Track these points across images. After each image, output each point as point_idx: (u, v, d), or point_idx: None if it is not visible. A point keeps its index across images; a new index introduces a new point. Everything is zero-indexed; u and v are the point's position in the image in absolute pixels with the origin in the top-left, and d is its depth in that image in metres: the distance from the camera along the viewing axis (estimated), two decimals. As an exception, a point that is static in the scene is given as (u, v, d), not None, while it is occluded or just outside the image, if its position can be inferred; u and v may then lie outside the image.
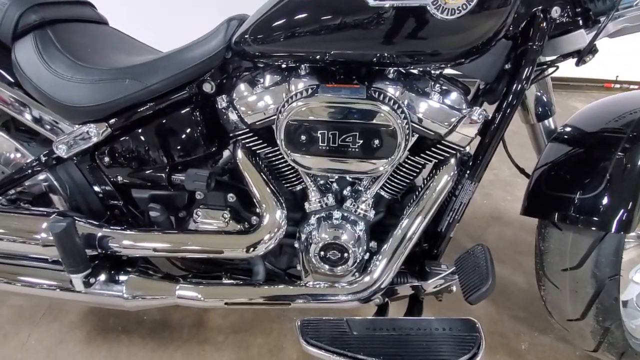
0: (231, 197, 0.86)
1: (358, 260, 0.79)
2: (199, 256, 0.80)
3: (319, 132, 0.65)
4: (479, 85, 0.86)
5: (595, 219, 0.70)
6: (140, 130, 0.79)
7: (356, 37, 0.62)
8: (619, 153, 0.73)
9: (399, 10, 0.58)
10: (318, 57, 0.66)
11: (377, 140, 0.64)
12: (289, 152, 0.69)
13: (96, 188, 0.85)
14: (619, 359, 0.85)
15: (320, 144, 0.66)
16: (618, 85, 2.66)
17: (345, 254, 0.77)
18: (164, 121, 0.79)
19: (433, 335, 0.65)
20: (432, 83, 0.70)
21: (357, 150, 0.65)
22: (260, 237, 0.77)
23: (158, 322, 1.12)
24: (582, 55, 0.73)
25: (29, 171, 0.83)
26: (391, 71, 0.68)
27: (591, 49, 0.74)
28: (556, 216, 0.76)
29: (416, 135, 0.73)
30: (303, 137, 0.66)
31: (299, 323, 0.72)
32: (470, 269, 0.74)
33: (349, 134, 0.64)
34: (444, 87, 0.71)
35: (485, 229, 1.49)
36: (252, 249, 0.76)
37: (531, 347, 1.04)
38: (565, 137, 0.84)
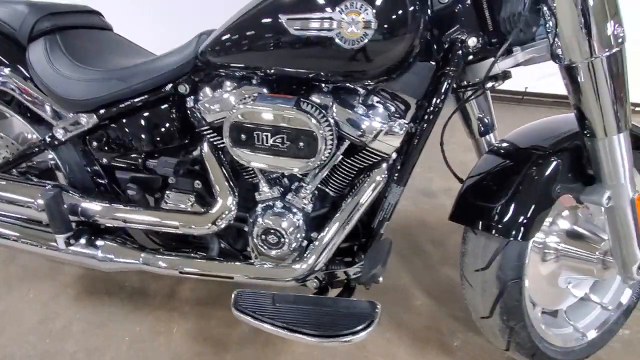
0: (197, 184, 1.00)
1: (295, 246, 0.92)
2: (158, 229, 0.95)
3: (254, 132, 0.78)
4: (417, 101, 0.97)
5: (499, 226, 0.79)
6: (123, 121, 0.95)
7: (284, 58, 0.75)
8: (530, 168, 0.82)
9: (314, 38, 0.69)
10: (259, 71, 0.79)
11: (301, 144, 0.76)
12: (232, 147, 0.82)
13: (87, 167, 1.02)
14: (530, 358, 0.93)
15: (256, 142, 0.79)
16: (622, 108, 2.65)
17: (282, 239, 0.90)
18: (143, 115, 0.95)
19: (338, 311, 0.76)
20: (360, 97, 0.82)
21: (285, 150, 0.78)
22: (211, 218, 0.91)
23: (137, 289, 1.29)
24: (485, 81, 0.82)
25: (36, 149, 1.01)
26: (323, 85, 0.80)
27: (505, 75, 0.83)
28: (471, 223, 0.85)
29: (348, 141, 0.85)
30: (243, 136, 0.79)
31: (235, 294, 0.85)
32: (372, 258, 0.85)
33: (277, 136, 0.77)
34: (371, 101, 0.83)
35: (449, 235, 1.56)
36: (203, 227, 0.90)
37: (463, 344, 1.12)
38: (497, 151, 0.93)
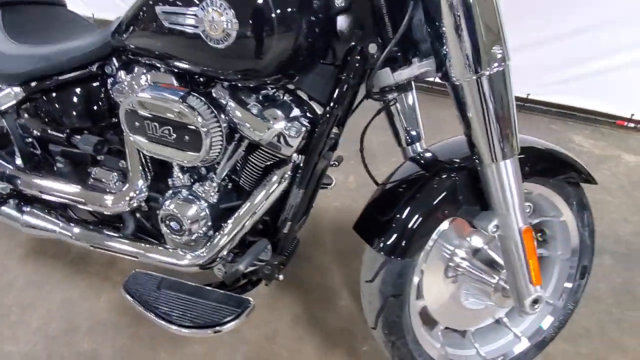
0: (122, 164, 1.04)
1: (197, 234, 0.94)
2: (69, 203, 1.00)
3: (145, 121, 0.79)
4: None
5: (381, 242, 0.77)
6: (51, 97, 0.99)
7: (166, 49, 0.75)
8: (423, 186, 0.78)
9: (184, 33, 0.68)
10: (155, 60, 0.80)
11: (187, 137, 0.77)
12: (128, 133, 0.84)
13: (23, 138, 1.07)
14: None
15: (147, 131, 0.80)
16: (632, 125, 2.41)
17: (183, 227, 0.92)
18: (70, 92, 0.98)
19: (212, 303, 0.79)
20: (258, 96, 0.81)
21: (173, 142, 0.79)
22: (118, 198, 0.95)
23: (81, 255, 1.37)
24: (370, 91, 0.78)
25: None
26: (220, 82, 0.80)
27: (399, 86, 0.78)
28: (363, 234, 0.84)
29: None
30: (137, 124, 0.81)
31: (131, 274, 0.89)
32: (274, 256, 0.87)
33: (165, 127, 0.78)
34: (269, 102, 0.81)
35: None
36: (111, 206, 0.94)
37: (371, 350, 1.12)
38: (413, 161, 0.89)
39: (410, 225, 0.76)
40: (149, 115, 0.79)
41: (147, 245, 0.98)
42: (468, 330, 1.01)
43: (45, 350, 1.08)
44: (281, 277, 0.99)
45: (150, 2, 0.70)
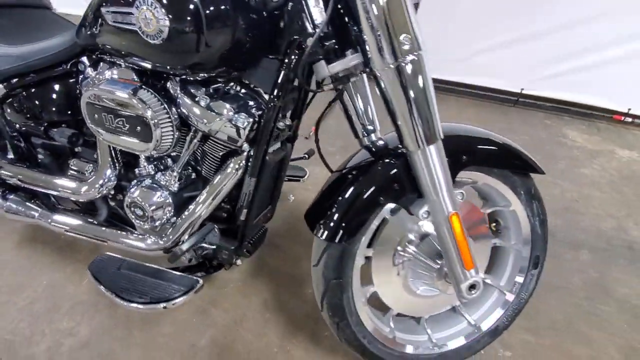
0: (96, 155, 1.11)
1: (160, 221, 0.99)
2: (46, 191, 1.07)
3: (102, 113, 0.86)
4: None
5: (320, 227, 0.81)
6: (30, 92, 1.07)
7: (116, 46, 0.81)
8: (364, 173, 0.81)
9: (125, 31, 0.73)
10: (112, 57, 0.86)
11: (138, 128, 0.83)
12: (90, 124, 0.90)
13: (8, 131, 1.16)
14: (361, 354, 0.95)
15: (104, 122, 0.87)
16: (630, 119, 2.34)
17: (145, 213, 0.98)
18: (46, 88, 1.06)
19: (165, 282, 0.85)
20: (207, 89, 0.85)
21: (127, 132, 0.85)
22: (88, 186, 1.02)
23: (69, 242, 1.45)
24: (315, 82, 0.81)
25: None
26: (172, 77, 0.85)
27: (340, 78, 0.81)
28: (309, 220, 0.87)
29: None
30: (95, 115, 0.87)
31: (98, 256, 0.96)
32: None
33: (119, 118, 0.84)
34: (218, 94, 0.86)
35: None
36: (81, 194, 1.01)
37: (331, 336, 1.14)
38: (364, 150, 0.92)
39: (347, 211, 0.79)
40: (105, 107, 0.85)
41: (116, 231, 1.05)
42: (422, 318, 1.04)
43: (29, 328, 1.16)
44: (239, 262, 1.04)
45: (97, 3, 0.76)
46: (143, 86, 0.82)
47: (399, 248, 0.92)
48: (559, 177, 1.94)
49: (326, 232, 0.79)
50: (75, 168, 1.12)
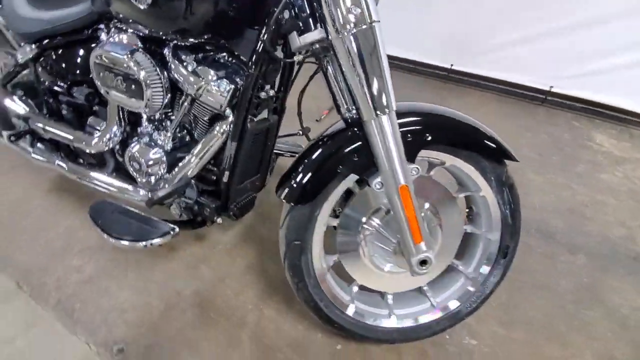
0: (110, 113, 1.25)
1: (155, 175, 1.10)
2: (65, 142, 1.22)
3: (105, 71, 0.96)
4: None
5: (283, 190, 0.86)
6: (57, 53, 1.22)
7: (114, 11, 0.89)
8: (328, 142, 0.85)
9: None
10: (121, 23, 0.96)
11: (133, 86, 0.92)
12: (96, 81, 1.02)
13: (40, 88, 1.32)
14: (317, 316, 1.00)
15: (107, 80, 0.97)
16: (670, 128, 2.13)
17: (142, 167, 1.09)
18: (71, 50, 1.20)
19: (149, 226, 0.97)
20: (196, 54, 0.93)
21: (124, 89, 0.95)
22: (98, 139, 1.15)
23: (88, 193, 1.59)
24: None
25: (12, 68, 1.35)
26: (167, 43, 0.93)
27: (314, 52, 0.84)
28: (278, 185, 0.93)
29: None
30: (101, 74, 0.98)
31: (97, 200, 1.09)
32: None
33: (118, 77, 0.94)
34: (205, 60, 0.93)
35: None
36: (88, 146, 1.15)
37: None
38: (343, 120, 0.93)
39: (306, 177, 0.84)
40: (108, 67, 0.96)
41: (119, 182, 1.17)
42: (387, 293, 1.07)
43: (46, 261, 1.34)
44: (219, 220, 1.13)
45: None
46: (140, 50, 0.92)
47: (364, 221, 0.96)
48: (573, 180, 1.84)
49: (285, 194, 0.85)
50: (91, 124, 1.26)
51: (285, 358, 1.08)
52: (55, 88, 1.28)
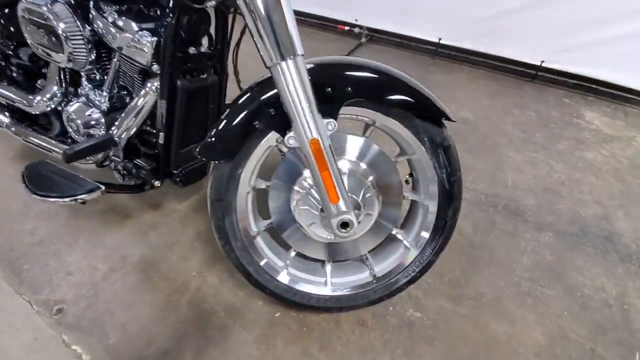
0: (57, 75, 1.22)
1: (95, 137, 1.08)
2: (8, 102, 1.20)
3: (30, 24, 0.93)
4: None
5: (201, 146, 0.82)
6: (2, 13, 1.19)
7: None
8: (248, 96, 0.81)
9: None
10: None
11: (54, 39, 0.89)
12: (25, 35, 0.98)
13: None
14: (247, 280, 0.98)
15: (32, 33, 0.94)
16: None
17: (79, 128, 1.07)
18: (13, 11, 1.16)
19: (78, 184, 0.95)
20: (119, 8, 0.89)
21: (46, 43, 0.92)
22: (38, 100, 1.13)
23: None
24: None
25: None
26: None
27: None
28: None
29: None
30: (27, 27, 0.95)
31: (35, 161, 1.07)
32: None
33: (40, 29, 0.91)
34: (128, 14, 0.89)
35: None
36: (29, 107, 1.13)
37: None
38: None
39: (224, 132, 0.80)
40: (31, 20, 0.93)
41: (59, 144, 1.16)
42: (327, 261, 1.04)
43: (2, 224, 1.36)
44: (157, 183, 1.11)
45: None
46: (61, 1, 0.88)
47: (295, 183, 0.92)
48: (553, 158, 1.74)
49: (200, 150, 0.81)
50: (40, 86, 1.24)
51: (220, 322, 1.07)
52: (4, 49, 1.26)
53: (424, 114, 0.82)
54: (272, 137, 0.83)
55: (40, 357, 0.98)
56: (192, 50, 0.93)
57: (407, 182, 0.97)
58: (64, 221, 1.38)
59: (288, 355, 0.99)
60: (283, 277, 0.98)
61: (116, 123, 1.04)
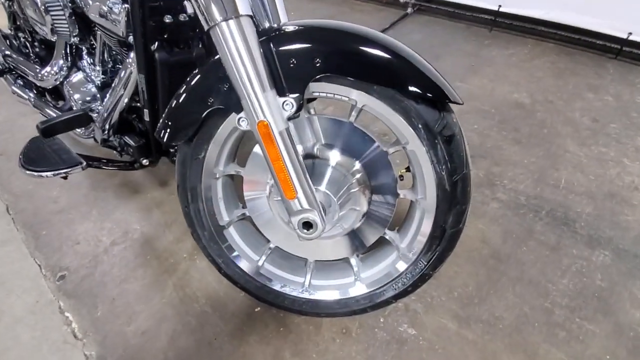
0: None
1: (92, 112, 1.08)
2: (25, 75, 1.26)
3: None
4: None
5: (157, 128, 0.75)
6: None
7: None
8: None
9: None
10: None
11: (37, 11, 0.87)
12: (28, 13, 0.99)
13: (16, 26, 1.38)
14: (218, 271, 0.92)
15: (29, 10, 0.94)
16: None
17: (74, 100, 1.08)
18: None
19: (59, 157, 0.96)
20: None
21: (36, 16, 0.90)
22: (46, 74, 1.15)
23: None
24: None
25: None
26: None
27: None
28: None
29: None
30: (21, 3, 0.95)
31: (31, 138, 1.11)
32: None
33: (29, 2, 0.89)
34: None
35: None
36: (39, 80, 1.17)
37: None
38: None
39: (176, 109, 0.71)
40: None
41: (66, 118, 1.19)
42: (309, 260, 0.93)
43: (32, 189, 1.47)
44: (145, 161, 1.08)
45: None
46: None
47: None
48: (628, 156, 1.38)
49: (158, 132, 0.74)
50: (50, 61, 1.29)
51: (200, 310, 1.04)
52: (26, 28, 1.33)
53: (415, 93, 0.65)
54: (235, 117, 0.73)
55: (37, 319, 1.05)
56: (167, 18, 0.85)
57: (401, 177, 0.80)
58: (85, 192, 1.46)
59: (259, 355, 0.92)
60: (255, 273, 0.90)
61: (107, 98, 1.02)
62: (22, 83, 1.37)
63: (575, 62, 1.96)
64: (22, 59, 1.30)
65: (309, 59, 0.63)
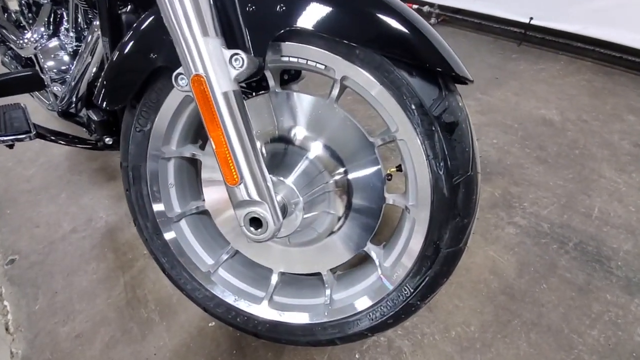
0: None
1: (62, 81, 0.99)
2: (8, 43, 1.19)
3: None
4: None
5: (96, 91, 0.63)
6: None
7: None
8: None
9: None
10: None
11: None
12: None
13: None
14: (162, 271, 0.76)
15: None
16: None
17: (48, 69, 0.98)
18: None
19: (20, 124, 0.87)
20: None
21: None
22: (27, 41, 1.07)
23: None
24: None
25: None
26: None
27: None
28: None
29: None
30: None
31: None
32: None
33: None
34: None
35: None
36: (24, 47, 1.08)
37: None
38: None
39: (116, 67, 0.58)
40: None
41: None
42: (275, 271, 0.76)
43: (11, 166, 1.40)
44: (108, 140, 0.95)
45: None
46: None
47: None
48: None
49: (97, 96, 0.61)
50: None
51: (147, 316, 0.88)
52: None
53: (409, 59, 0.49)
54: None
55: (-30, 306, 0.94)
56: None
57: (389, 177, 0.64)
58: (61, 173, 1.37)
59: (201, 381, 0.76)
60: (205, 280, 0.74)
61: (76, 66, 0.92)
62: (12, 55, 1.31)
63: (615, 82, 1.76)
64: (8, 27, 1.24)
65: (273, 10, 0.49)
